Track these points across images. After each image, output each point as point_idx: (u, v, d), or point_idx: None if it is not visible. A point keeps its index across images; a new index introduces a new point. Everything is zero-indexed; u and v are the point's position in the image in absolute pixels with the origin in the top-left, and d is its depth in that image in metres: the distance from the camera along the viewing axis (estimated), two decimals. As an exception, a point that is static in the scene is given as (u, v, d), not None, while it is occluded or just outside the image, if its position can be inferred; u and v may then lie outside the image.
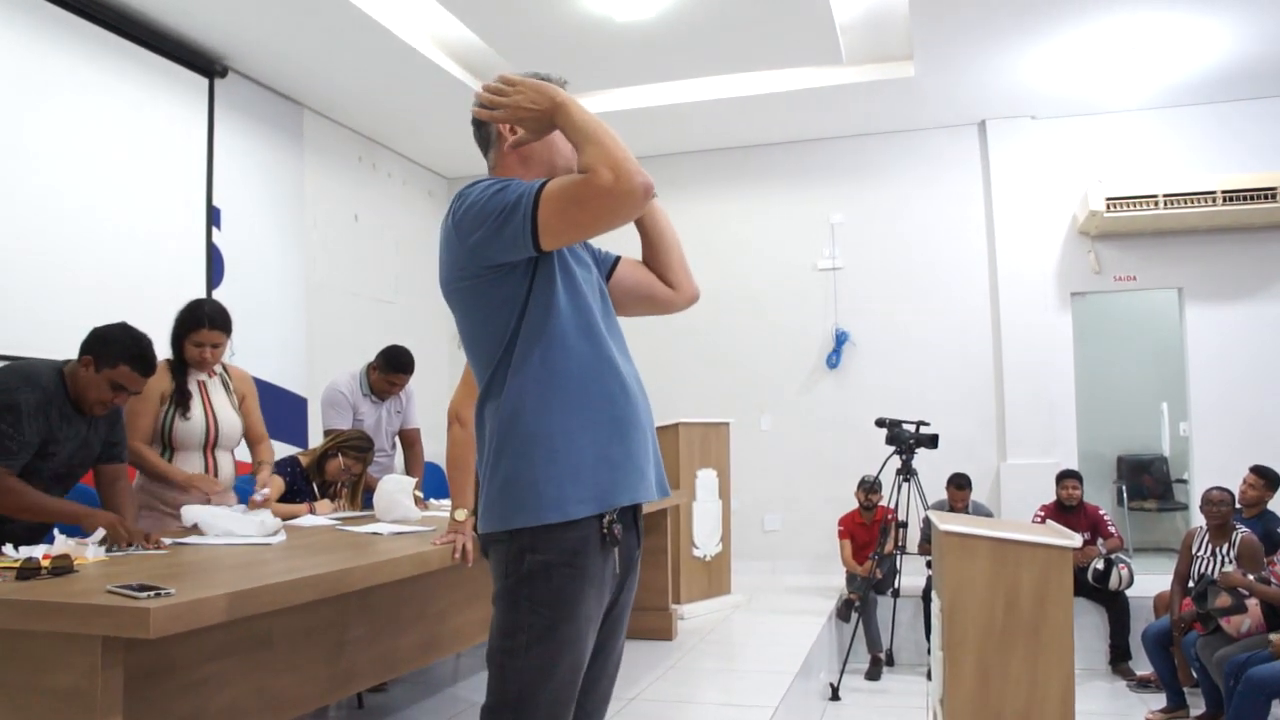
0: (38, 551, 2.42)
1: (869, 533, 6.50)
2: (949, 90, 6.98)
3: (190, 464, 3.61)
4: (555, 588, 1.77)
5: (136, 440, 3.48)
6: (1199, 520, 5.61)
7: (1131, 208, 6.83)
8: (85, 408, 3.08)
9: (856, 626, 5.97)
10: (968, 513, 6.36)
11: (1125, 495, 8.47)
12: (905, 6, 5.79)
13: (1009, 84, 6.83)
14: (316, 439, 5.92)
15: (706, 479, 6.06)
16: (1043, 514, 6.33)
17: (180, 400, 3.59)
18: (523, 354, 1.82)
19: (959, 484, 6.51)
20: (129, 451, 3.40)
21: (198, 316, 3.61)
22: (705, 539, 6.01)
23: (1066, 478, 6.41)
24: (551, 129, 1.88)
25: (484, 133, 2.03)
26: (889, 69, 6.77)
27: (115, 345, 3.03)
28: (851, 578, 6.39)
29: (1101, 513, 6.41)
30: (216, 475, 3.67)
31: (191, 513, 3.17)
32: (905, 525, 6.12)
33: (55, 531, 2.56)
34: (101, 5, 5.13)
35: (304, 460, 4.26)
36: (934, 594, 3.85)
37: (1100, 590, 6.02)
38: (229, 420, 3.74)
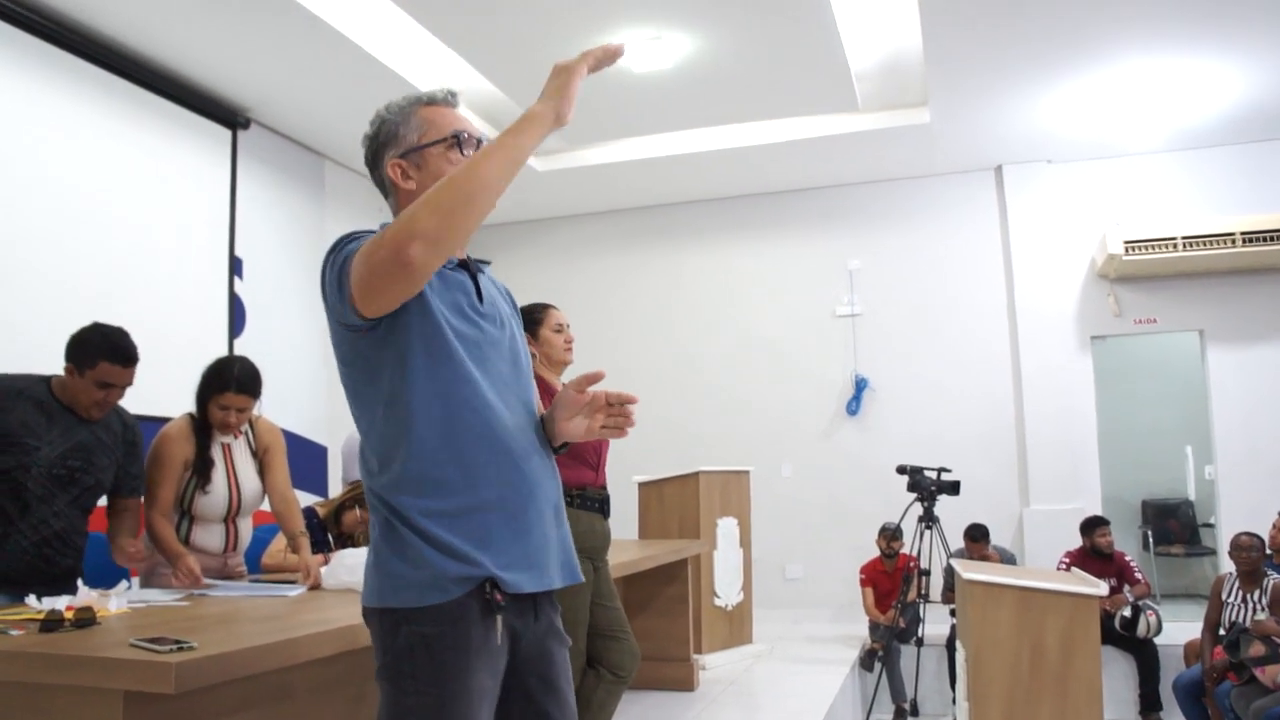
0: (61, 603, 2.41)
1: (891, 581, 6.43)
2: (965, 136, 7.02)
3: (211, 534, 3.46)
4: (438, 663, 1.59)
5: (155, 511, 3.35)
6: (1227, 565, 5.52)
7: (1150, 250, 6.82)
8: (83, 413, 3.10)
9: (880, 676, 5.88)
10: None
11: (1151, 540, 8.36)
12: (920, 54, 5.84)
13: (1025, 129, 6.87)
14: (336, 489, 5.93)
15: (727, 527, 6.02)
16: (1068, 560, 6.24)
17: (202, 469, 3.43)
18: (400, 419, 1.65)
19: (975, 536, 6.38)
20: (148, 523, 3.35)
21: (224, 379, 3.41)
22: (726, 588, 5.96)
23: (1098, 525, 6.30)
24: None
25: (378, 176, 1.85)
26: (905, 115, 6.83)
27: (89, 345, 3.04)
28: (874, 626, 6.31)
29: (1127, 559, 6.32)
30: (236, 544, 3.54)
31: (216, 587, 3.16)
32: (928, 573, 6.04)
33: (79, 583, 2.56)
34: (127, 58, 5.24)
35: (321, 511, 4.24)
36: (958, 643, 3.80)
37: (1128, 638, 5.92)
38: (251, 489, 3.57)
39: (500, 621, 1.65)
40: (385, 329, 1.64)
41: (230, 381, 3.40)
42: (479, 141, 1.80)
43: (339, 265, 1.61)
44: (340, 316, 1.64)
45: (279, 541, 3.85)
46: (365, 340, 1.66)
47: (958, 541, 6.42)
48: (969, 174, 7.76)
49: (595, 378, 1.81)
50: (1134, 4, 5.11)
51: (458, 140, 1.78)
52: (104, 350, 3.03)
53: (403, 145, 1.78)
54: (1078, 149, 7.26)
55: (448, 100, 1.84)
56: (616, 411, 1.79)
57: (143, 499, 3.38)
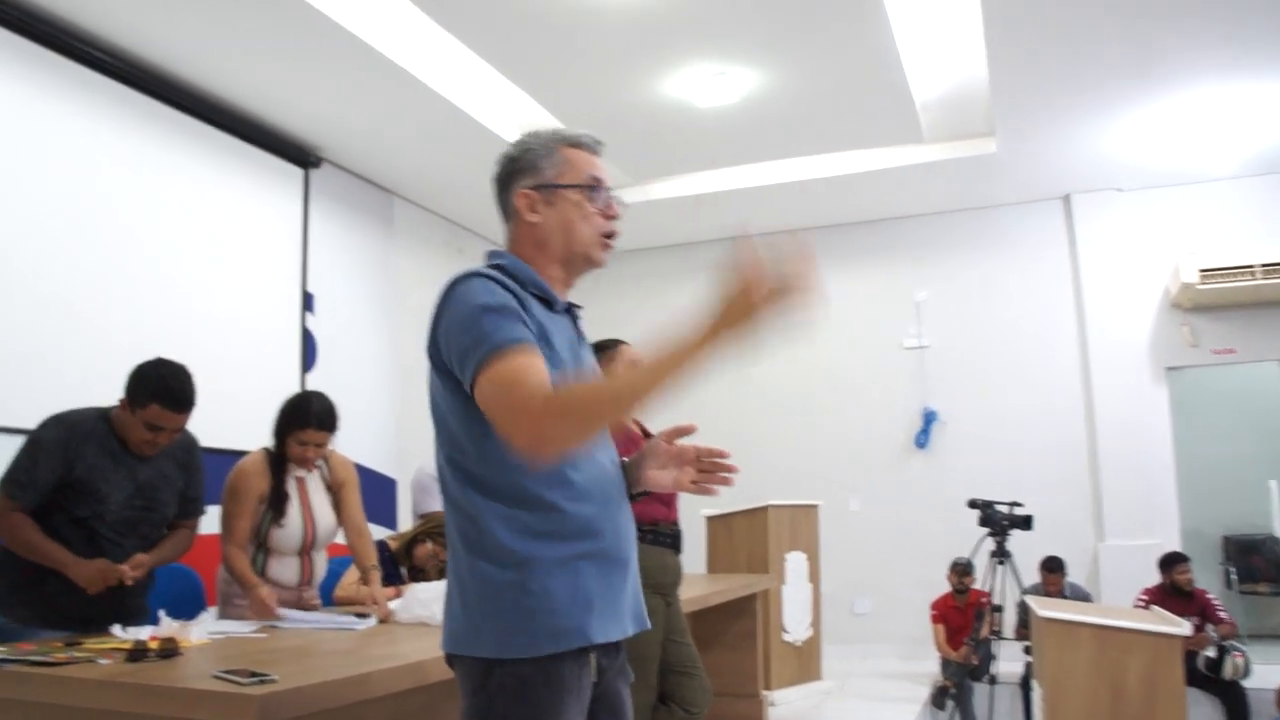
0: (145, 633, 2.47)
1: (963, 617, 6.31)
2: (1032, 165, 6.94)
3: (286, 568, 3.50)
4: (532, 703, 1.58)
5: (232, 544, 3.39)
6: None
7: (1227, 279, 6.66)
8: (132, 449, 3.10)
9: (953, 715, 5.77)
10: (1064, 596, 6.15)
11: (1235, 578, 8.10)
12: (985, 84, 5.81)
13: (1093, 157, 6.78)
14: (405, 521, 5.99)
15: (796, 562, 5.98)
16: (1146, 598, 6.07)
17: (277, 503, 3.46)
18: (514, 465, 1.61)
19: (1051, 568, 6.28)
20: (225, 556, 3.39)
21: (304, 416, 3.46)
22: (795, 623, 5.90)
23: (1177, 561, 6.11)
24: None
25: (505, 198, 1.83)
26: (970, 146, 6.78)
27: (143, 384, 3.02)
28: (946, 663, 6.20)
29: (1210, 596, 6.12)
30: (311, 578, 3.58)
31: (289, 617, 3.21)
32: (1000, 609, 5.92)
33: (160, 613, 2.62)
34: (205, 102, 5.41)
35: (393, 544, 4.27)
36: (1034, 681, 3.72)
37: (1214, 680, 5.73)
38: (326, 523, 3.61)
39: (594, 660, 1.66)
40: None
41: (310, 418, 3.45)
42: (611, 195, 1.81)
43: (476, 354, 1.57)
44: (458, 380, 1.63)
45: (351, 574, 3.89)
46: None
47: (1031, 577, 6.29)
48: (1037, 204, 7.67)
49: (686, 430, 1.80)
50: (1207, 29, 5.03)
51: (593, 188, 1.79)
52: (157, 392, 3.02)
53: (538, 178, 1.78)
54: (1149, 176, 7.14)
55: (592, 146, 1.84)
56: (708, 467, 1.79)
57: (220, 534, 3.43)
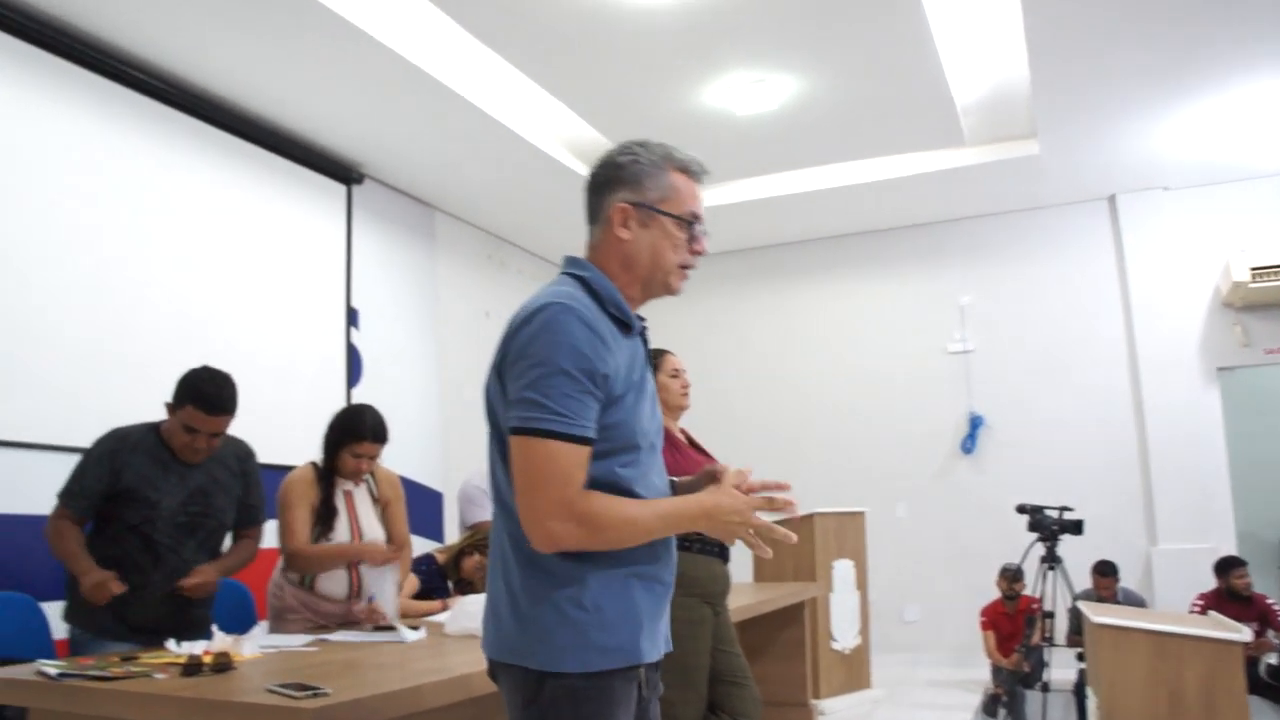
0: (198, 648, 2.51)
1: (1013, 623, 6.24)
2: (1076, 166, 6.86)
3: (334, 581, 3.52)
4: (583, 716, 1.59)
5: (295, 544, 3.43)
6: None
7: (1279, 276, 6.54)
8: (178, 454, 3.20)
9: (1005, 723, 5.70)
10: (1117, 602, 6.05)
11: (1292, 582, 7.94)
12: (1026, 84, 5.75)
13: (1139, 156, 6.68)
14: (452, 534, 6.02)
15: (843, 570, 5.94)
16: (1202, 603, 5.96)
17: (325, 517, 3.50)
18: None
19: (1104, 572, 6.18)
20: (295, 557, 3.43)
21: (359, 428, 3.52)
22: (843, 631, 5.86)
23: (1234, 565, 6.01)
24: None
25: (598, 201, 1.80)
26: (1012, 148, 6.72)
27: (183, 386, 3.14)
28: (997, 671, 6.12)
29: (1270, 601, 5.99)
30: (359, 590, 3.57)
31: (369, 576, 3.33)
32: (1052, 615, 5.84)
33: (214, 628, 2.67)
34: (248, 121, 5.49)
35: (440, 557, 4.29)
36: (1088, 689, 3.66)
37: (1276, 689, 5.61)
38: (373, 535, 3.62)
39: (643, 675, 1.68)
40: None
41: (365, 430, 3.52)
42: (703, 231, 1.81)
43: (529, 412, 1.58)
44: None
45: (409, 584, 3.94)
46: None
47: (1082, 582, 6.20)
48: (1081, 204, 7.58)
49: (778, 489, 1.79)
50: (1253, 22, 4.93)
51: (691, 223, 1.79)
52: (193, 395, 3.12)
53: (640, 195, 1.76)
54: (1197, 174, 7.03)
55: (698, 175, 1.83)
56: (763, 500, 1.77)
57: (281, 543, 3.47)
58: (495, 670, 1.71)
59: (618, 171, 1.77)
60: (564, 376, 1.57)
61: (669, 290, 1.81)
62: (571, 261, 1.79)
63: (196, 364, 3.28)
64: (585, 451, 1.59)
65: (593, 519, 1.57)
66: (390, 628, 3.22)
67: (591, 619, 1.60)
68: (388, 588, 3.34)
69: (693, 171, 1.81)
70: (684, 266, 1.81)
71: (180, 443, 3.18)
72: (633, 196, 1.75)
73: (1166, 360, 7.19)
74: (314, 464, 3.58)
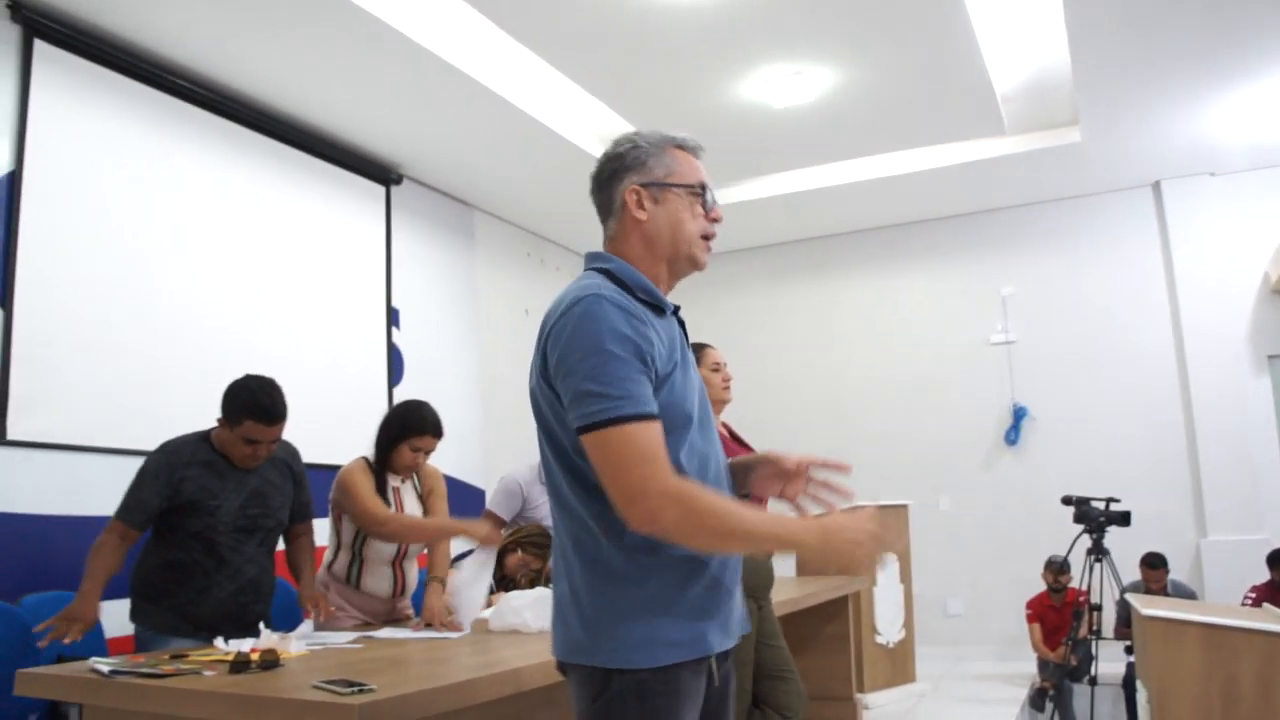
0: (246, 645, 2.55)
1: (1060, 616, 6.17)
2: (1119, 153, 6.76)
3: (379, 577, 3.57)
4: (650, 709, 1.58)
5: (378, 515, 3.44)
6: None
7: (1331, 262, 6.42)
8: (238, 464, 3.29)
9: (1052, 717, 5.65)
10: (1166, 594, 5.97)
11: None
12: (1067, 71, 5.68)
13: (1184, 142, 6.58)
14: (494, 530, 6.04)
15: (887, 563, 5.90)
16: (1255, 595, 5.86)
17: None
18: None
19: (1153, 564, 6.09)
20: (389, 523, 3.46)
21: (420, 423, 3.59)
22: (888, 625, 5.83)
23: (1287, 557, 5.90)
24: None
25: (608, 194, 1.84)
26: (1054, 136, 6.64)
27: (236, 402, 3.21)
28: (1043, 664, 6.06)
29: (1324, 593, 5.89)
30: (404, 589, 3.65)
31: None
32: (1099, 608, 5.77)
33: (261, 626, 2.71)
34: (288, 125, 5.55)
35: (483, 554, 4.31)
36: (1138, 683, 3.62)
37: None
38: None
39: (712, 666, 1.67)
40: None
41: (427, 425, 3.61)
42: (714, 200, 1.83)
43: (590, 407, 1.55)
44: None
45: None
46: None
47: (1129, 574, 6.12)
48: (1125, 192, 7.47)
49: (838, 469, 1.86)
50: (1301, 6, 4.86)
51: (702, 192, 1.81)
52: (250, 409, 3.19)
53: (648, 176, 1.79)
54: (1243, 158, 6.90)
55: (696, 151, 1.87)
56: (817, 483, 1.82)
57: (363, 524, 3.50)
58: (563, 669, 1.72)
59: (620, 161, 1.82)
60: (615, 360, 1.57)
61: (694, 264, 1.81)
62: (594, 256, 1.83)
63: (240, 367, 3.36)
64: (658, 427, 1.57)
65: (689, 499, 1.54)
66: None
67: (657, 614, 1.60)
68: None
69: (690, 148, 1.85)
70: (705, 237, 1.82)
71: (241, 454, 3.26)
72: (641, 178, 1.79)
73: (1214, 349, 7.08)
74: (365, 459, 3.62)
